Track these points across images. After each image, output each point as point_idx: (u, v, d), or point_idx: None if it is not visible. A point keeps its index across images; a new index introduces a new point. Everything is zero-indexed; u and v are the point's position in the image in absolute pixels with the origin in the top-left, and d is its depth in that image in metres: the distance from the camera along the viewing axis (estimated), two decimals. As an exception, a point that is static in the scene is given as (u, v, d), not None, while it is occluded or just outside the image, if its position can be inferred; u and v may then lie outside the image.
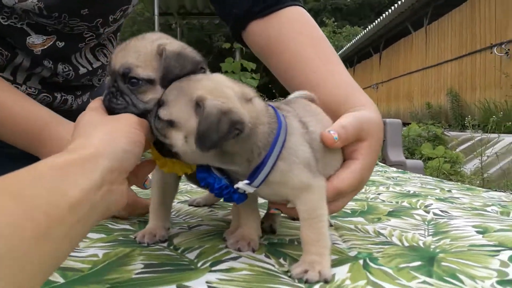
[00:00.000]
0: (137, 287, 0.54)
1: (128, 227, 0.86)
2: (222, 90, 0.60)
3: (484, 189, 1.58)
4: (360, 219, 1.00)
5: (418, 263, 0.67)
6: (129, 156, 0.54)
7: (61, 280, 0.56)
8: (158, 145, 0.62)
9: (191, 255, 0.68)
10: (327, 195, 0.65)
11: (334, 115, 0.75)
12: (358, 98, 0.79)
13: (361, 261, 0.68)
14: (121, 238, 0.77)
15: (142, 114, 0.62)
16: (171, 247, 0.72)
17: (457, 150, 7.38)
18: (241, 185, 0.61)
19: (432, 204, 1.17)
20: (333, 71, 0.84)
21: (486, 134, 6.62)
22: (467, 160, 7.10)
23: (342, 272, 0.62)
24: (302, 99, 0.77)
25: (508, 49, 8.45)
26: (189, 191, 1.30)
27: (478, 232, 0.87)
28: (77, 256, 0.67)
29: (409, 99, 13.06)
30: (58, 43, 0.95)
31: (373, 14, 23.68)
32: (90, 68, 1.04)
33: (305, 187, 0.63)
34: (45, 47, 0.93)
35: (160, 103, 0.61)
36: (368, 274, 0.62)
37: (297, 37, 0.86)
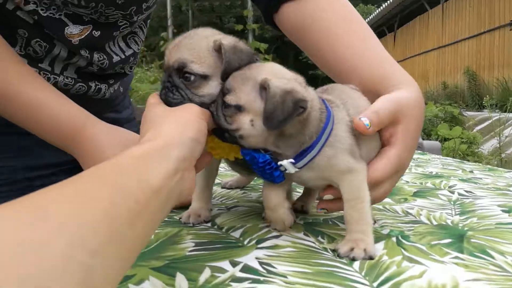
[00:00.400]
0: (192, 263, 0.60)
1: (172, 209, 0.91)
2: (283, 73, 0.66)
3: (506, 170, 1.60)
4: (387, 199, 1.04)
5: (448, 240, 0.72)
6: (196, 144, 0.58)
7: (124, 257, 0.62)
8: (218, 131, 0.67)
9: (236, 234, 0.73)
10: None
11: (373, 94, 0.77)
12: (396, 76, 0.78)
13: (394, 239, 0.72)
14: (166, 219, 0.83)
15: (201, 105, 0.66)
16: (215, 227, 0.78)
17: (474, 130, 7.30)
18: (286, 163, 0.65)
19: (456, 184, 1.21)
20: (369, 47, 0.83)
21: (505, 113, 6.53)
22: (484, 140, 7.02)
23: (378, 249, 0.66)
24: (338, 84, 0.80)
25: (528, 26, 8.23)
26: (220, 174, 1.35)
27: (503, 211, 0.91)
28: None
29: (425, 79, 12.86)
30: (94, 32, 0.97)
31: (387, -9, 23.13)
32: (123, 56, 1.08)
33: (348, 170, 0.67)
34: (82, 37, 0.96)
35: (224, 91, 0.65)
36: (402, 250, 0.66)
37: (330, 16, 0.87)
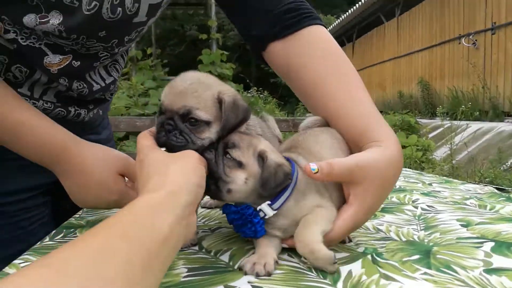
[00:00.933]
0: (189, 288, 0.63)
1: (155, 232, 0.94)
2: (273, 148, 0.76)
3: (460, 182, 1.74)
4: (358, 216, 1.11)
5: (417, 256, 0.79)
6: (200, 189, 0.63)
7: None
8: (206, 180, 0.70)
9: (225, 258, 0.77)
10: None
11: (355, 146, 0.83)
12: (377, 132, 0.80)
13: (369, 257, 0.79)
14: (154, 243, 0.86)
15: (197, 150, 0.72)
16: (203, 250, 0.81)
17: (428, 137, 7.69)
18: (264, 206, 0.73)
19: (418, 199, 1.31)
20: (354, 100, 0.84)
21: (455, 122, 6.95)
22: (437, 147, 7.42)
23: (357, 268, 0.73)
24: (314, 128, 0.89)
25: (476, 40, 8.81)
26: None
27: (462, 225, 1.00)
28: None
29: (382, 88, 13.41)
30: (74, 63, 0.97)
31: (345, 3, 23.98)
32: (103, 84, 1.09)
33: (317, 205, 0.76)
34: (61, 66, 0.96)
35: (229, 145, 0.73)
36: (378, 268, 0.73)
37: (317, 61, 0.88)
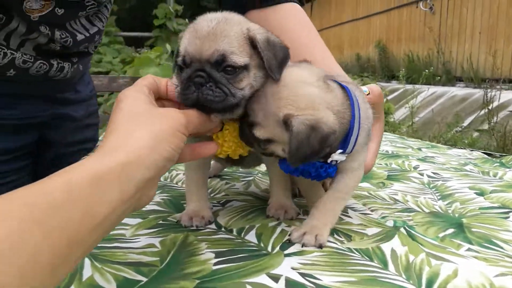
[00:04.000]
0: (227, 280, 0.54)
1: (157, 207, 0.83)
2: (306, 97, 0.61)
3: (446, 146, 1.74)
4: (366, 185, 1.06)
5: (451, 230, 0.75)
6: (168, 164, 0.51)
7: (142, 278, 0.54)
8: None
9: (251, 237, 0.68)
10: None
11: None
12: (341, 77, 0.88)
13: (403, 231, 0.73)
14: (161, 221, 0.75)
15: (238, 103, 0.59)
16: (223, 229, 0.72)
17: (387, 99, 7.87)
18: (336, 156, 0.66)
19: (419, 165, 1.27)
20: (324, 55, 0.93)
21: (412, 85, 7.13)
22: (395, 109, 7.63)
23: (397, 245, 0.67)
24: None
25: (433, 4, 8.94)
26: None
27: (476, 194, 0.97)
28: (134, 247, 0.64)
29: (340, 50, 13.45)
30: (57, 10, 0.84)
31: (303, -40, 23.42)
32: (88, 34, 0.94)
33: (359, 165, 0.72)
34: (43, 13, 0.82)
35: (251, 123, 0.62)
36: (420, 246, 0.67)
37: (295, 28, 0.91)
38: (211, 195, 0.93)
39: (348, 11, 13.35)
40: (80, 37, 0.92)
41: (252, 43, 0.61)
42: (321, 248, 0.64)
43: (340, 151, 0.65)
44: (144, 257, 0.60)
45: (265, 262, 0.59)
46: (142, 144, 0.48)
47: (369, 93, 0.81)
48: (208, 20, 0.61)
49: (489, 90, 5.21)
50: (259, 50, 0.60)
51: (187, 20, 8.28)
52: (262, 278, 0.54)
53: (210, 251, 0.62)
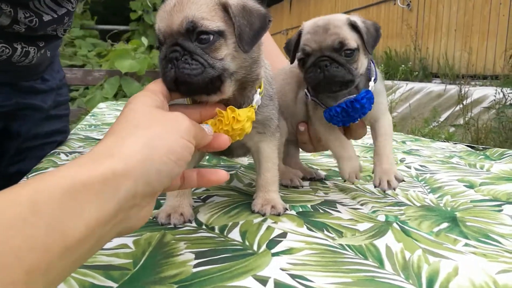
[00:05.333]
0: (208, 284, 0.48)
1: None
2: None
3: (429, 139, 1.72)
4: (354, 178, 1.02)
5: (445, 224, 0.71)
6: (163, 179, 0.42)
7: (113, 284, 0.48)
8: None
9: (235, 235, 0.62)
10: None
11: None
12: None
13: (396, 226, 0.69)
14: (135, 219, 0.68)
15: (220, 76, 0.53)
16: (204, 227, 0.66)
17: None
18: (371, 83, 0.82)
19: (405, 158, 1.24)
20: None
21: (391, 81, 7.21)
22: (373, 105, 7.69)
23: (392, 241, 0.62)
24: None
25: (410, 1, 9.04)
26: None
27: (466, 186, 0.94)
28: (103, 248, 0.57)
29: (319, 46, 13.50)
30: None
31: (282, -44, 23.33)
32: (55, 15, 0.86)
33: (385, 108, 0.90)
34: None
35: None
36: (415, 241, 0.63)
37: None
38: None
39: (328, 7, 13.39)
40: (46, 17, 0.83)
41: (227, 9, 0.55)
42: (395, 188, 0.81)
43: (372, 79, 0.82)
44: (115, 259, 0.54)
45: (251, 263, 0.53)
46: (130, 154, 0.40)
47: None
48: None
49: (463, 86, 5.30)
50: (231, 16, 0.54)
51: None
52: (248, 281, 0.49)
53: (190, 252, 0.56)
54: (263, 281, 0.49)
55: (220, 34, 0.54)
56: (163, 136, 0.43)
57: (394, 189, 0.82)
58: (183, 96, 0.57)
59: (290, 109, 0.94)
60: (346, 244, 0.61)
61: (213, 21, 0.53)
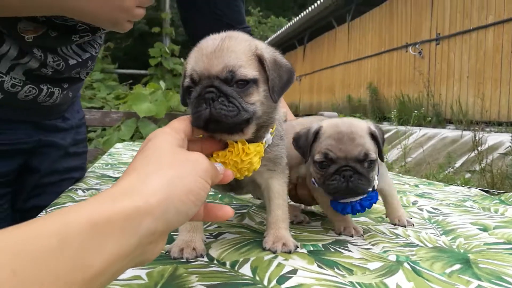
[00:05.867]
0: (218, 315, 0.49)
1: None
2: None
3: (443, 183, 1.71)
4: (365, 219, 1.02)
5: (458, 265, 0.70)
6: (180, 218, 0.44)
7: (125, 313, 0.49)
8: None
9: (246, 271, 0.63)
10: None
11: None
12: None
13: (407, 266, 0.69)
14: (149, 253, 0.69)
15: (250, 119, 0.58)
16: (215, 262, 0.67)
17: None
18: (376, 180, 0.82)
19: (417, 201, 1.24)
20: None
21: (404, 126, 7.22)
22: (388, 150, 7.67)
23: (403, 280, 0.62)
24: None
25: (421, 49, 9.24)
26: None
27: (480, 229, 0.93)
28: (118, 279, 0.58)
29: (332, 91, 13.72)
30: (51, 32, 0.83)
31: (296, 6, 24.38)
32: (80, 60, 0.93)
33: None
34: (37, 34, 0.80)
35: None
36: (426, 281, 0.63)
37: None
38: (204, 227, 0.88)
39: (340, 54, 13.75)
40: (72, 61, 0.90)
41: (260, 60, 0.61)
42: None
43: (376, 177, 0.83)
44: (128, 291, 0.55)
45: (261, 297, 0.54)
46: (155, 191, 0.42)
47: None
48: (213, 39, 0.61)
49: (478, 132, 5.28)
50: (266, 69, 0.59)
51: (182, 59, 8.46)
52: (259, 315, 0.49)
53: (201, 284, 0.57)
54: (273, 315, 0.49)
55: (254, 81, 0.60)
56: (184, 176, 0.45)
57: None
58: (205, 133, 0.61)
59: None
60: (356, 282, 0.61)
61: (250, 70, 0.59)
